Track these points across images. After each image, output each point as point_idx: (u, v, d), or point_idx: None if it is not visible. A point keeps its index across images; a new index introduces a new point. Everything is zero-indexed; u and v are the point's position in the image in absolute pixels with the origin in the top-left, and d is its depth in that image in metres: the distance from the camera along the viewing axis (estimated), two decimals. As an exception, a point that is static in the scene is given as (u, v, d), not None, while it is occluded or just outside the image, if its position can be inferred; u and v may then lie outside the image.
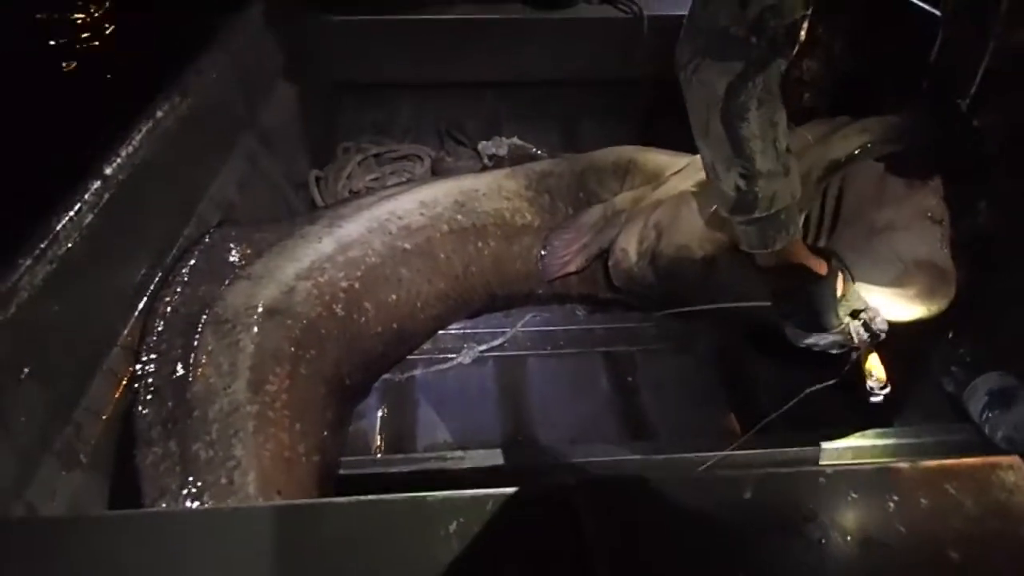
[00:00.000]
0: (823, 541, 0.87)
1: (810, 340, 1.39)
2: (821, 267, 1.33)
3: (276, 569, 0.83)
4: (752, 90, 1.14)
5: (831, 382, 1.46)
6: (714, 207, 1.51)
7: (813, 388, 1.46)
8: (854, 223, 1.61)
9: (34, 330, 1.10)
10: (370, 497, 0.90)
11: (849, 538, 0.87)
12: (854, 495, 0.91)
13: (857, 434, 1.60)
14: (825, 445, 1.58)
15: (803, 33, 1.74)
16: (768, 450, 1.55)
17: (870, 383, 1.38)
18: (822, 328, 1.35)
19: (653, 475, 0.93)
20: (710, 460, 1.47)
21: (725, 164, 1.22)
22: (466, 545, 0.83)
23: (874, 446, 1.58)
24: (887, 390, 1.38)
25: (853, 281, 1.39)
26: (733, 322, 1.86)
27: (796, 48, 1.16)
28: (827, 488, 0.92)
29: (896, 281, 1.43)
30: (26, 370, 1.07)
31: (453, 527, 0.85)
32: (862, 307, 1.36)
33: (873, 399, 1.39)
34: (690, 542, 0.88)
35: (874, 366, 1.39)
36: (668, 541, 0.88)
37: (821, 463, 1.55)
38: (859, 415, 1.72)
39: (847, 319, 1.34)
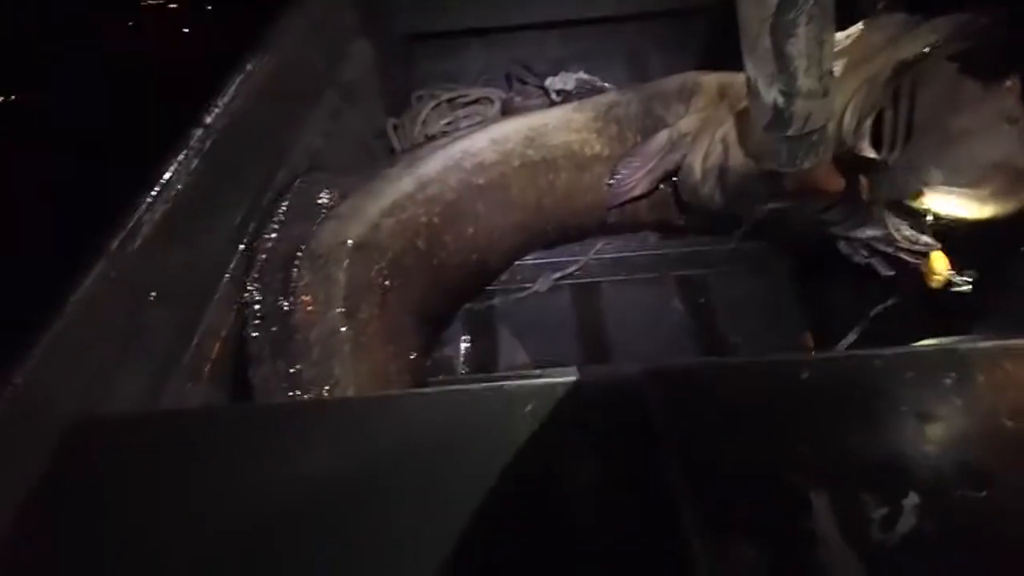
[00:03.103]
0: (880, 417, 0.91)
1: (865, 234, 1.40)
2: (839, 182, 1.35)
3: (374, 452, 0.95)
4: (803, 5, 1.16)
5: (891, 302, 1.47)
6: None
7: (876, 310, 1.48)
8: (930, 129, 1.59)
9: (157, 260, 1.25)
10: (454, 387, 1.00)
11: (910, 416, 0.91)
12: (911, 374, 0.95)
13: (936, 341, 1.60)
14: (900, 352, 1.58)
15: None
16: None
17: (935, 281, 1.39)
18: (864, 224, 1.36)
19: (715, 362, 0.99)
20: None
21: (767, 80, 1.25)
22: (542, 424, 0.93)
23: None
24: (957, 285, 1.39)
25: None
26: (805, 241, 1.87)
27: None
28: (883, 369, 0.96)
29: (973, 183, 1.43)
30: (153, 294, 1.23)
31: (529, 408, 0.94)
32: (896, 196, 1.37)
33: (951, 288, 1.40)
34: (752, 421, 0.94)
35: (938, 264, 1.39)
36: (731, 420, 0.94)
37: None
38: (942, 328, 1.72)
39: (885, 212, 1.36)
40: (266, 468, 0.94)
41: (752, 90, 1.31)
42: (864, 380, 0.95)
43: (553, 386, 0.96)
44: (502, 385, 0.97)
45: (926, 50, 1.44)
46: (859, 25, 1.55)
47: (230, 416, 1.05)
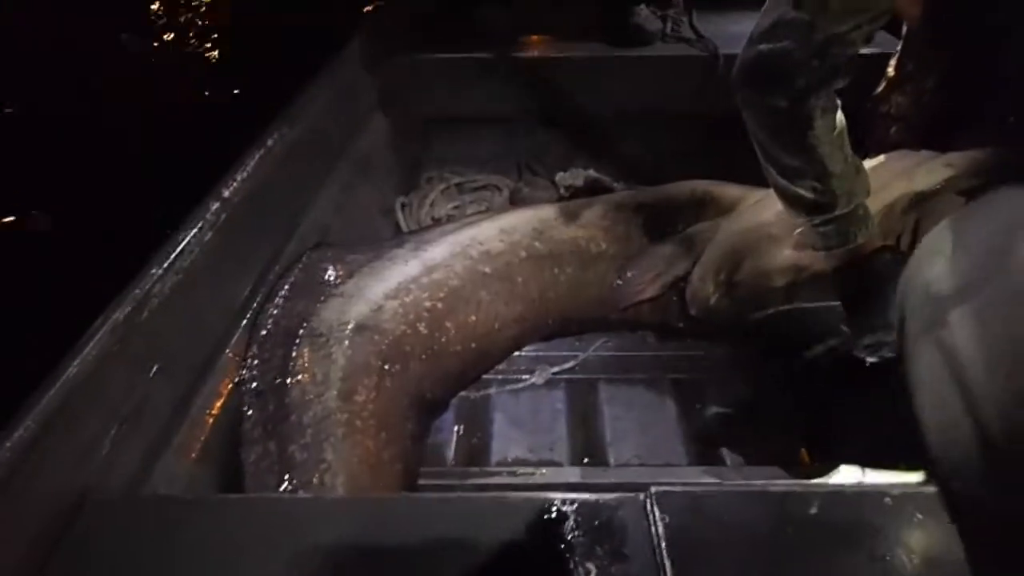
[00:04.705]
0: (887, 558, 0.90)
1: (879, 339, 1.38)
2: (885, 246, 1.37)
3: (365, 556, 0.92)
4: (816, 102, 1.22)
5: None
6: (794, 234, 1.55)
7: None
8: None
9: (161, 333, 1.23)
10: (455, 494, 0.98)
11: (913, 556, 0.90)
12: (920, 516, 0.94)
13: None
14: (900, 479, 1.57)
15: (891, 70, 1.78)
16: (839, 484, 1.56)
17: None
18: None
19: (723, 488, 0.98)
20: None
21: (798, 171, 1.28)
22: (543, 540, 0.90)
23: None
24: None
25: None
26: (806, 352, 1.88)
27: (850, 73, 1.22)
28: (893, 508, 0.95)
29: None
30: (155, 368, 1.21)
31: (531, 522, 0.92)
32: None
33: None
34: (756, 552, 0.92)
35: None
36: (735, 550, 0.93)
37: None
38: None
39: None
40: (256, 564, 0.91)
41: (780, 185, 1.34)
42: (873, 518, 0.94)
43: (556, 502, 0.94)
44: (505, 496, 0.95)
45: (940, 185, 1.49)
46: (879, 157, 1.61)
47: (223, 506, 1.02)
